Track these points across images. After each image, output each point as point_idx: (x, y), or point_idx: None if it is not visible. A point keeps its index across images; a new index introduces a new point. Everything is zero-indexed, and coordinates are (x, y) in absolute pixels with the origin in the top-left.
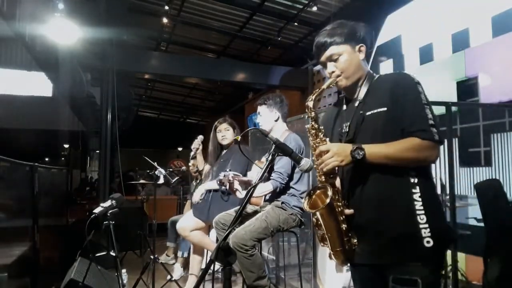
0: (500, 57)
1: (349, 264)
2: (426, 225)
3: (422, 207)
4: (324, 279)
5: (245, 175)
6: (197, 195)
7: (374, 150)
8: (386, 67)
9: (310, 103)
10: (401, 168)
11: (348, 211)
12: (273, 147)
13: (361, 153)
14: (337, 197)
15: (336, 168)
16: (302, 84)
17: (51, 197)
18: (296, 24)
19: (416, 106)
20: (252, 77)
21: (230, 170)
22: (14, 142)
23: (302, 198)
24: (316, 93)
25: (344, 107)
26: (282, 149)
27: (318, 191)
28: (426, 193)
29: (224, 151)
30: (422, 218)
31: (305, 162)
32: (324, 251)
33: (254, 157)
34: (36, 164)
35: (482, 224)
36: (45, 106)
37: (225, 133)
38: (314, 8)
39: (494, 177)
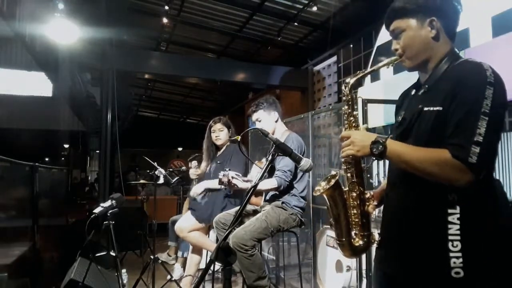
0: (500, 57)
1: (353, 265)
2: (459, 254)
3: (458, 232)
4: (324, 279)
5: (244, 175)
6: (197, 190)
7: (395, 151)
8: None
9: (349, 84)
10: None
11: (370, 209)
12: (273, 147)
13: (379, 148)
14: (356, 188)
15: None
16: (302, 84)
17: (51, 197)
18: (296, 24)
19: (468, 113)
20: (252, 77)
21: (229, 170)
22: (14, 142)
23: (302, 197)
24: (362, 73)
25: (413, 91)
26: (282, 149)
27: (332, 180)
28: (470, 217)
29: (220, 151)
30: (455, 245)
31: (305, 162)
32: (324, 251)
33: (253, 157)
34: (36, 164)
35: None
36: (45, 106)
37: (219, 133)
38: (314, 8)
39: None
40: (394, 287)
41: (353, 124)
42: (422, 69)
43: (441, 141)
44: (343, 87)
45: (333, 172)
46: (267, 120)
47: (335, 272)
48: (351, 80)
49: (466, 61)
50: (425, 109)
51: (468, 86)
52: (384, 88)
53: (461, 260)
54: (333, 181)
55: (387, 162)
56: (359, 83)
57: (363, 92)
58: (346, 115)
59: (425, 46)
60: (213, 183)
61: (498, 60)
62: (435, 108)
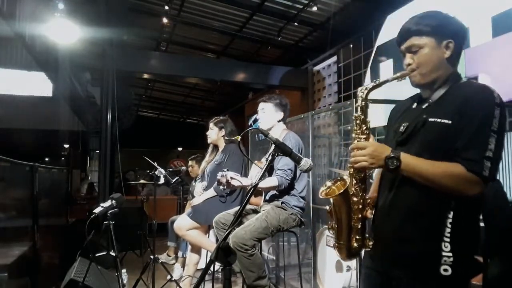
0: (500, 57)
1: (353, 265)
2: (450, 254)
3: (449, 235)
4: (324, 279)
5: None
6: (198, 200)
7: (410, 165)
8: (386, 67)
9: (364, 92)
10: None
11: (368, 214)
12: (273, 147)
13: (395, 163)
14: (359, 193)
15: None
16: (302, 84)
17: (51, 197)
18: (296, 24)
19: (479, 130)
20: (252, 77)
21: (228, 170)
22: (14, 142)
23: (301, 197)
24: (376, 83)
25: (415, 105)
26: (282, 149)
27: (339, 182)
28: (460, 221)
29: (219, 151)
30: (446, 246)
31: (305, 162)
32: (324, 251)
33: (253, 157)
34: (36, 164)
35: (482, 224)
36: (45, 106)
37: (209, 132)
38: (314, 8)
39: None
40: (381, 282)
41: (366, 132)
42: (429, 86)
43: (446, 151)
44: (359, 92)
45: (344, 177)
46: (270, 114)
47: (335, 272)
48: (366, 90)
49: (470, 82)
50: (430, 119)
51: (479, 105)
52: (384, 88)
53: (451, 259)
54: (342, 187)
55: None
56: (359, 83)
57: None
58: (358, 121)
59: (439, 65)
60: (211, 193)
61: (498, 60)
62: (443, 121)
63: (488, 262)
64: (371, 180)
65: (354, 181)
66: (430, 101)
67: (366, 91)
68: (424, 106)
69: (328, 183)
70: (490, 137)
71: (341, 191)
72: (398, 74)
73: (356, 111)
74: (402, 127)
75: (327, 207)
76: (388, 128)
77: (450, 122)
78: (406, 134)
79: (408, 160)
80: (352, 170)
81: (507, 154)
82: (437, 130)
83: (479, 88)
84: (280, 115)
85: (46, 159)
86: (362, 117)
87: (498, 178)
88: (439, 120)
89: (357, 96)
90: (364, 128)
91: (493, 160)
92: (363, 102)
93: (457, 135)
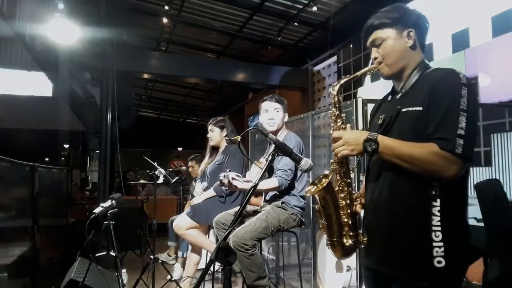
0: (500, 57)
1: (353, 265)
2: (441, 244)
3: (439, 223)
4: (324, 279)
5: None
6: (198, 200)
7: (388, 146)
8: None
9: (335, 88)
10: (422, 175)
11: (358, 208)
12: (273, 147)
13: (373, 146)
14: (345, 188)
15: (352, 158)
16: (302, 84)
17: (51, 197)
18: (296, 24)
19: (449, 110)
20: (252, 77)
21: (230, 171)
22: (14, 142)
23: (301, 197)
24: (347, 78)
25: (390, 97)
26: (282, 149)
27: (324, 179)
28: (448, 209)
29: (219, 151)
30: (437, 236)
31: (305, 162)
32: (324, 251)
33: (253, 157)
34: (36, 164)
35: (482, 224)
36: (45, 106)
37: (210, 134)
38: (314, 8)
39: (494, 177)
40: (379, 281)
41: (342, 126)
42: (398, 77)
43: (422, 138)
44: (330, 90)
45: (326, 172)
46: (282, 115)
47: (335, 272)
48: (334, 87)
49: (438, 68)
50: (403, 110)
51: (446, 87)
52: (384, 88)
53: (442, 249)
54: (325, 182)
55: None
56: (359, 83)
57: (363, 92)
58: (334, 117)
59: (403, 55)
60: (210, 193)
61: (498, 60)
62: (415, 108)
63: (488, 262)
64: (361, 178)
65: (338, 177)
66: (403, 91)
67: (336, 87)
68: (398, 97)
69: (315, 182)
70: (460, 116)
71: (324, 185)
72: (366, 69)
73: (331, 109)
74: (379, 121)
75: (317, 207)
76: (370, 125)
77: (421, 108)
78: (383, 127)
79: (386, 141)
80: (334, 165)
81: (506, 154)
82: (410, 119)
83: (445, 72)
84: (286, 116)
85: (46, 159)
86: (337, 112)
87: (498, 178)
88: (411, 108)
89: (329, 93)
90: (340, 123)
91: (466, 137)
92: (336, 98)
93: (428, 119)
